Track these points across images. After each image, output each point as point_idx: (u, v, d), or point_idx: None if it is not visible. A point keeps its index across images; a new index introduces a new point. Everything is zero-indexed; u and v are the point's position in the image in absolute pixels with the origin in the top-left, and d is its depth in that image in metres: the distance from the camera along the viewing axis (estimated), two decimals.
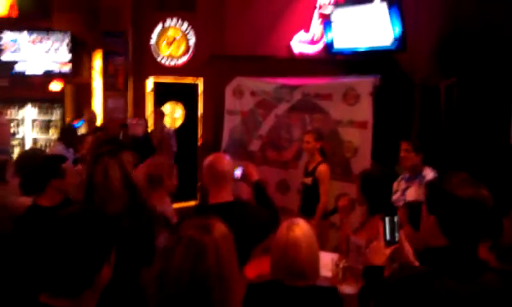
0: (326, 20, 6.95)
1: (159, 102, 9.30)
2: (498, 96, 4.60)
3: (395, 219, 2.26)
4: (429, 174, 4.35)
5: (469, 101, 5.25)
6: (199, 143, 9.37)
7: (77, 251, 1.56)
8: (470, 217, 1.75)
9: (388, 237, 2.24)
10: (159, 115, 8.19)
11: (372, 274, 2.21)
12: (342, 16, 6.72)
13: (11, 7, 8.72)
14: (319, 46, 8.51)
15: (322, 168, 5.19)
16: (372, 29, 6.21)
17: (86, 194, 2.50)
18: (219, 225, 1.79)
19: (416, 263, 2.13)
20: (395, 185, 4.34)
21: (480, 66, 5.10)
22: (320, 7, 7.56)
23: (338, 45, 6.93)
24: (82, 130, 7.46)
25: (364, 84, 5.94)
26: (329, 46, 7.20)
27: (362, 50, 6.52)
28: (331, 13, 6.81)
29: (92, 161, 2.57)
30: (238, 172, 3.18)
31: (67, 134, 6.40)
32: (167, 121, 9.01)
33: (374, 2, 6.08)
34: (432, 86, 5.96)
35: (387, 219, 2.26)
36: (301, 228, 2.41)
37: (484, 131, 4.87)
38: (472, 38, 5.29)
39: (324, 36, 7.40)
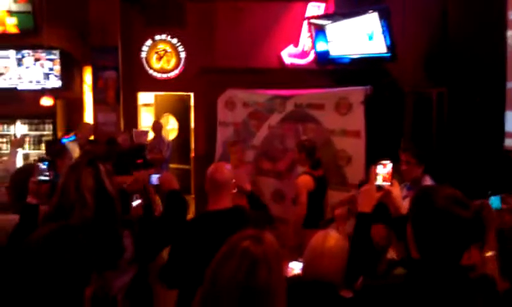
0: (318, 30, 7.02)
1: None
2: (490, 102, 4.67)
3: (389, 165, 2.30)
4: (429, 183, 4.33)
5: (460, 108, 5.33)
6: (192, 155, 9.39)
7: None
8: (460, 233, 1.74)
9: (380, 182, 2.28)
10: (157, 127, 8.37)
11: (362, 220, 2.29)
12: (336, 28, 6.82)
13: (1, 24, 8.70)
14: (309, 58, 8.59)
15: (300, 179, 5.24)
16: (365, 38, 6.30)
17: (56, 200, 2.51)
18: (269, 237, 1.75)
19: (403, 210, 2.19)
20: None
21: (470, 72, 5.18)
22: (309, 17, 7.63)
23: (334, 53, 7.03)
24: (73, 145, 7.39)
25: (356, 93, 5.98)
26: (322, 55, 7.26)
27: (356, 57, 6.61)
28: (325, 25, 6.90)
29: (68, 170, 2.58)
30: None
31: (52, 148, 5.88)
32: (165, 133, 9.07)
33: (366, 14, 6.17)
34: (423, 94, 6.05)
35: (381, 165, 2.30)
36: (336, 240, 2.44)
37: (476, 137, 4.93)
38: (461, 45, 5.39)
39: (315, 46, 7.48)
